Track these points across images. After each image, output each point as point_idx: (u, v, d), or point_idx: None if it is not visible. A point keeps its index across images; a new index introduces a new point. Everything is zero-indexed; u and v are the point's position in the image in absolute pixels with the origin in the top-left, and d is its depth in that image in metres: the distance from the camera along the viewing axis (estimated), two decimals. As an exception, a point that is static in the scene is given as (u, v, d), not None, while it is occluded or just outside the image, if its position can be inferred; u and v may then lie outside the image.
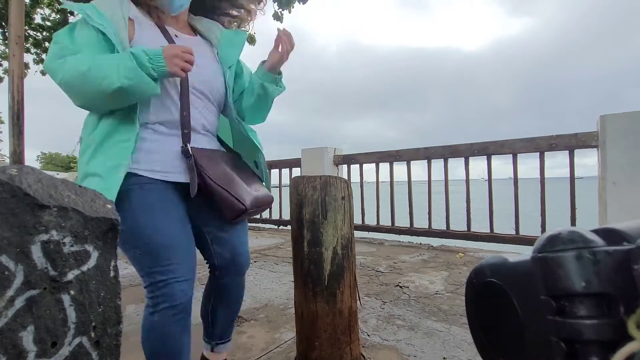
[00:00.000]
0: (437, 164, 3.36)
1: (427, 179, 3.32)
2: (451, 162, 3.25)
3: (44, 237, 0.61)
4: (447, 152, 3.19)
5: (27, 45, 6.01)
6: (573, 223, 2.62)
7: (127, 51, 0.79)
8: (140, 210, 0.82)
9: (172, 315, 0.81)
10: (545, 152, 2.73)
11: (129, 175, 0.82)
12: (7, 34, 4.49)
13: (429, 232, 3.33)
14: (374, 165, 3.74)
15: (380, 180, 3.72)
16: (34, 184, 0.62)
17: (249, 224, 5.06)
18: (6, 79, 5.86)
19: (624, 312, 0.31)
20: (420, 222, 3.48)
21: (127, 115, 0.84)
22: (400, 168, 3.54)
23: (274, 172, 4.74)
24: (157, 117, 0.89)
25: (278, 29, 1.03)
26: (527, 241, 2.76)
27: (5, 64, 6.51)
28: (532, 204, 2.90)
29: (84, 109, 0.87)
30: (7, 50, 5.07)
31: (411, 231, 3.44)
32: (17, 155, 2.61)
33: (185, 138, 0.91)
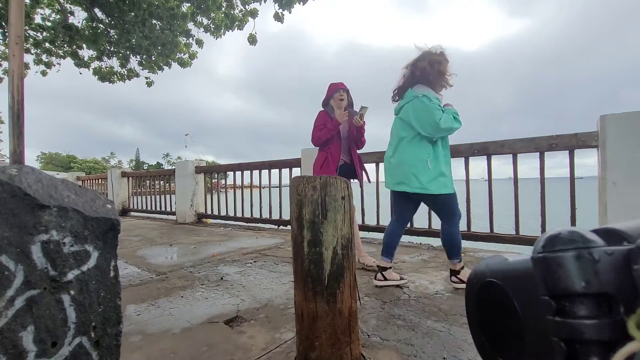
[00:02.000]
0: (438, 164, 3.37)
1: (427, 179, 3.32)
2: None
3: (44, 237, 0.61)
4: (447, 152, 3.18)
5: (27, 46, 6.01)
6: (573, 223, 2.62)
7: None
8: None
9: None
10: (545, 152, 2.73)
11: None
12: (7, 34, 4.49)
13: (429, 232, 3.33)
14: (374, 165, 3.73)
15: (380, 180, 3.72)
16: (34, 184, 0.62)
17: (249, 224, 5.06)
18: (6, 79, 5.86)
19: (624, 312, 0.31)
20: (420, 222, 3.48)
21: (444, 142, 2.01)
22: (400, 168, 3.54)
23: (274, 172, 4.74)
24: None
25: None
26: (527, 241, 2.76)
27: (5, 64, 6.51)
28: (532, 204, 2.90)
29: (442, 134, 1.95)
30: (7, 50, 5.06)
31: (411, 231, 3.44)
32: (17, 155, 2.61)
33: None
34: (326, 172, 2.64)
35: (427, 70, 1.94)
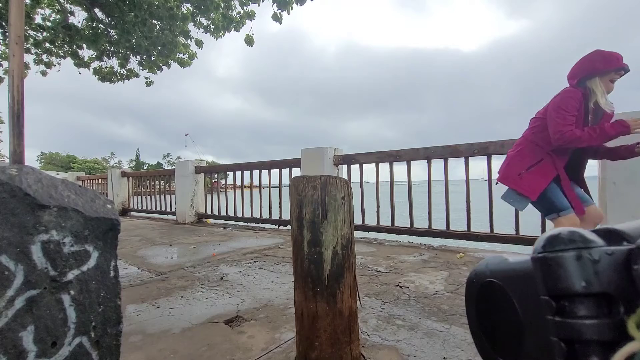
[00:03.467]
0: (437, 164, 3.34)
1: (427, 179, 3.32)
2: (451, 162, 3.25)
3: (44, 237, 0.61)
4: (447, 152, 3.19)
5: (27, 46, 6.01)
6: (573, 223, 2.61)
7: None
8: None
9: None
10: (545, 152, 2.73)
11: None
12: (7, 34, 4.49)
13: (429, 232, 3.33)
14: (374, 165, 3.73)
15: (380, 180, 3.72)
16: (34, 184, 0.62)
17: (249, 224, 5.06)
18: (6, 79, 5.86)
19: (624, 312, 0.31)
20: (420, 222, 3.48)
21: None
22: (400, 168, 3.54)
23: (274, 172, 4.74)
24: None
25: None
26: (527, 241, 2.76)
27: (5, 64, 6.51)
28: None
29: None
30: (7, 50, 5.07)
31: (411, 231, 3.44)
32: (17, 155, 2.61)
33: None
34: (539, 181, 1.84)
35: None
